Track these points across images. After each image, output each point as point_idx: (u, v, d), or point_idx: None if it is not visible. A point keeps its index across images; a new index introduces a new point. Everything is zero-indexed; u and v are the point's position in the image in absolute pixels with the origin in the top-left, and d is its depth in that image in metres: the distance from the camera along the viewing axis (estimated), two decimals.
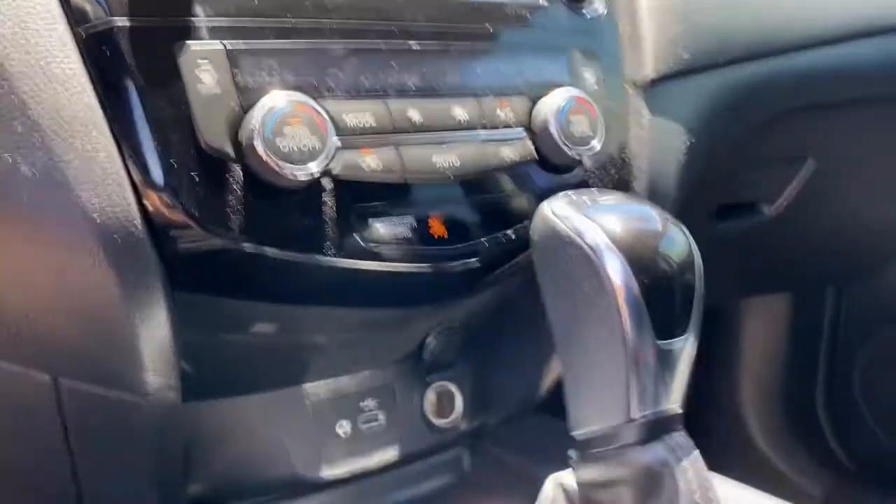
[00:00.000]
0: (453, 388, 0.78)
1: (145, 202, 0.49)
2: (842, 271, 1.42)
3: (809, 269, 1.35)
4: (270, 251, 0.51)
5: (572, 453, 0.46)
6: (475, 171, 0.58)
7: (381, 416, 0.74)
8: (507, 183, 0.61)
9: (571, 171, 0.64)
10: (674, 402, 0.43)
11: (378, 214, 0.55)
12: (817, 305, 1.50)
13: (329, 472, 0.71)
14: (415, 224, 0.56)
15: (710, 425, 1.55)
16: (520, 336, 0.76)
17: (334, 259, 0.53)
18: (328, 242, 0.53)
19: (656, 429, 0.42)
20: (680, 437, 0.42)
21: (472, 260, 0.60)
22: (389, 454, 0.75)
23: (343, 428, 0.72)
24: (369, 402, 0.74)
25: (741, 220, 1.03)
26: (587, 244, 0.42)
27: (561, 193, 0.47)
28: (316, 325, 0.64)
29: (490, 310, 0.75)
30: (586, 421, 0.45)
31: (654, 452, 0.42)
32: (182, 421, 0.64)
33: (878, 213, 1.20)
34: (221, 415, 0.67)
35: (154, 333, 0.50)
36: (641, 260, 0.42)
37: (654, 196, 0.71)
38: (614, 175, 0.67)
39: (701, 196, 0.91)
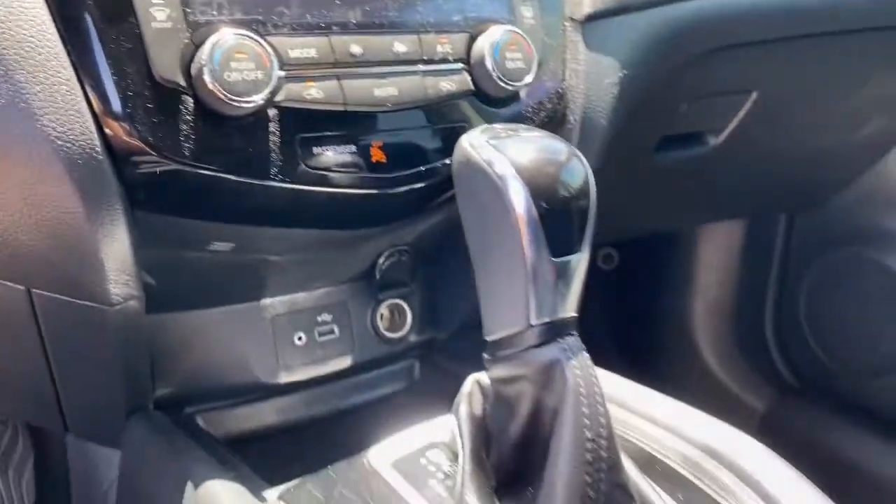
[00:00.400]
0: (404, 304, 0.85)
1: (105, 130, 0.54)
2: (792, 200, 1.49)
3: (760, 197, 1.41)
4: (221, 175, 0.56)
5: (485, 355, 0.53)
6: (414, 102, 0.63)
7: (336, 329, 0.81)
8: (446, 114, 0.66)
9: (508, 105, 0.69)
10: (568, 310, 0.49)
11: (322, 142, 0.60)
12: (769, 232, 1.57)
13: (287, 377, 0.78)
14: (357, 151, 0.61)
15: (662, 343, 1.64)
16: (466, 257, 0.82)
17: (281, 183, 0.58)
18: (275, 168, 0.58)
19: (552, 333, 0.48)
20: (571, 340, 0.49)
21: (413, 186, 0.65)
22: (344, 362, 0.82)
23: (300, 339, 0.79)
24: (325, 317, 0.80)
25: (687, 150, 1.08)
26: (495, 173, 0.48)
27: (483, 126, 0.52)
28: (270, 244, 0.70)
29: (438, 233, 0.81)
30: (495, 327, 0.51)
31: (549, 353, 0.48)
32: (148, 330, 0.71)
33: (822, 144, 1.26)
34: (185, 325, 0.74)
35: (115, 248, 0.56)
36: (542, 187, 0.47)
37: (589, 127, 0.77)
38: (550, 108, 0.72)
39: (644, 128, 0.96)
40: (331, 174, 0.60)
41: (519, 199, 0.47)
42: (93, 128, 0.53)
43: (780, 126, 1.14)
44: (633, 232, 1.43)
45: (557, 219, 0.48)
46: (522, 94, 0.69)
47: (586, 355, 0.49)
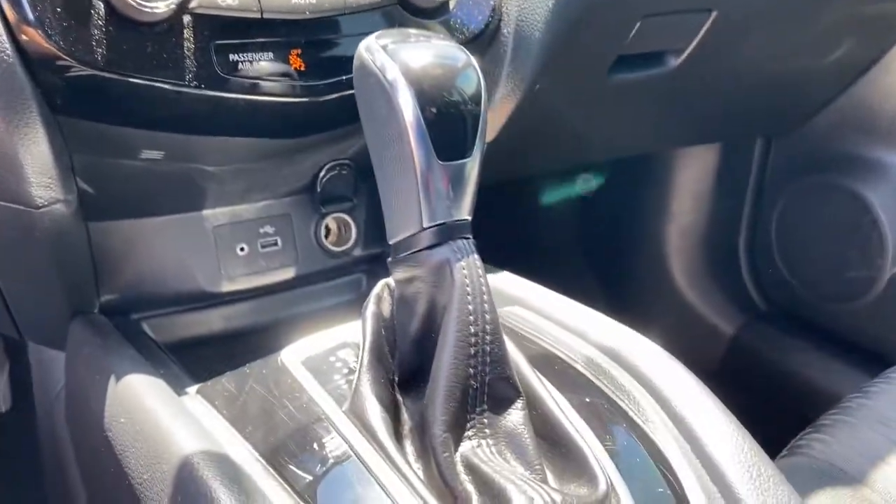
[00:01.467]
0: (348, 218, 0.87)
1: (18, 35, 0.55)
2: (764, 126, 1.48)
3: (731, 123, 1.41)
4: (135, 81, 0.58)
5: (389, 258, 0.55)
6: (333, 10, 0.64)
7: (279, 241, 0.83)
8: (370, 23, 0.67)
9: (435, 16, 0.69)
10: (461, 213, 0.51)
11: (239, 50, 0.61)
12: (744, 158, 1.57)
13: (230, 286, 0.81)
14: (275, 59, 0.62)
15: (635, 267, 1.66)
16: None
17: (196, 90, 0.60)
18: (189, 74, 0.59)
19: (443, 235, 0.50)
20: (462, 242, 0.50)
21: (335, 95, 0.66)
22: (287, 273, 0.84)
23: (242, 249, 0.81)
24: (267, 228, 0.82)
25: (645, 70, 1.07)
26: (386, 78, 0.49)
27: (380, 31, 0.53)
28: (202, 154, 0.72)
29: None
30: (394, 231, 0.53)
31: (440, 253, 0.50)
32: (89, 236, 0.73)
33: (791, 67, 1.24)
34: (128, 233, 0.76)
35: (35, 151, 0.57)
36: (431, 93, 0.48)
37: (524, 41, 0.77)
38: (480, 20, 0.72)
39: (593, 45, 0.96)
40: (249, 81, 0.61)
41: (407, 104, 0.48)
42: (3, 32, 0.54)
43: (744, 47, 1.13)
44: (600, 155, 1.43)
45: (447, 124, 0.49)
46: (452, 4, 0.70)
47: (475, 257, 0.50)
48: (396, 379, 0.55)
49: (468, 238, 0.51)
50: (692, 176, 1.62)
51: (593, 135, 1.20)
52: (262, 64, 0.62)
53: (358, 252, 0.88)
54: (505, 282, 0.74)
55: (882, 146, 1.40)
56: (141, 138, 0.65)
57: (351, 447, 0.49)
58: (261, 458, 0.50)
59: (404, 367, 0.55)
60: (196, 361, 0.74)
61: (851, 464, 0.65)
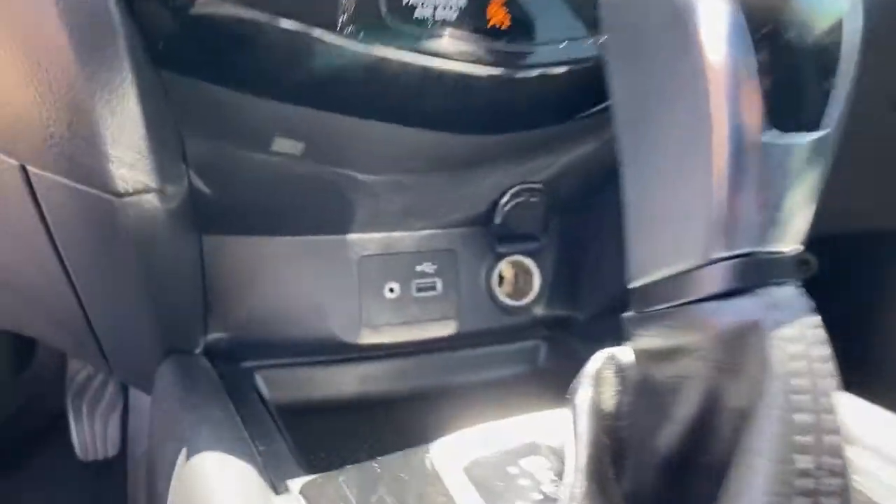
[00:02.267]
0: (531, 263, 0.65)
1: None
2: None
3: None
4: (265, 19, 0.39)
5: (628, 313, 0.32)
6: None
7: (439, 284, 0.62)
8: None
9: None
10: (787, 239, 0.28)
11: None
12: None
13: (371, 337, 0.61)
14: (468, 8, 0.43)
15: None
16: (621, 210, 0.61)
17: (351, 40, 0.41)
18: (345, 14, 0.40)
19: (749, 276, 0.27)
20: (788, 291, 0.27)
21: (550, 71, 0.45)
22: (446, 328, 0.63)
23: (392, 291, 0.61)
24: (426, 267, 0.62)
25: None
26: None
27: None
28: (353, 151, 0.53)
29: (585, 171, 0.61)
30: (649, 264, 0.31)
31: (743, 308, 0.27)
32: (202, 254, 0.56)
33: None
34: (249, 254, 0.58)
35: (119, 114, 0.40)
36: (755, 13, 0.26)
37: None
38: None
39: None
40: (427, 36, 0.42)
41: (712, 31, 0.26)
42: None
43: None
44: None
45: (781, 70, 0.27)
46: None
47: (814, 320, 0.27)
48: None
49: (794, 286, 0.28)
50: None
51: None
52: (447, 12, 0.42)
53: (539, 311, 0.66)
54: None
55: None
56: (272, 117, 0.47)
57: None
58: None
59: (646, 496, 0.31)
60: (314, 434, 0.55)
61: None
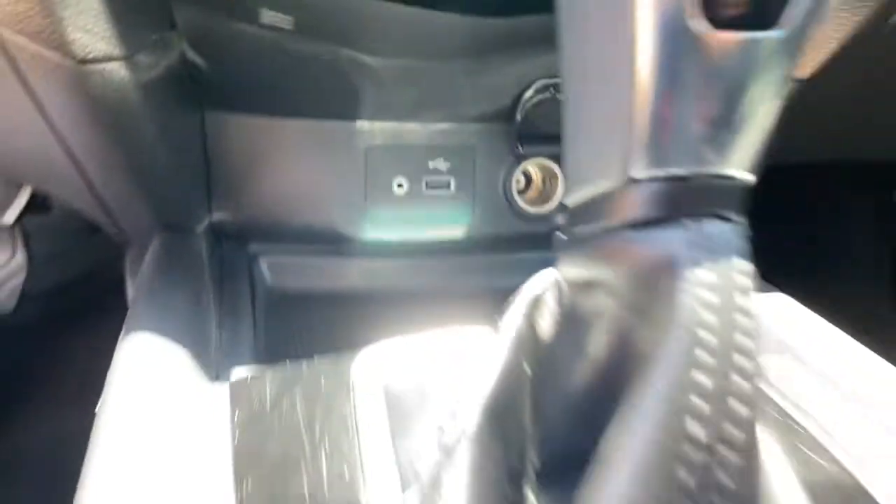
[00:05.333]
0: (555, 167, 0.60)
1: None
2: None
3: None
4: None
5: (558, 232, 0.28)
6: None
7: (453, 183, 0.58)
8: None
9: None
10: (732, 162, 0.22)
11: None
12: None
13: (376, 232, 0.58)
14: None
15: None
16: None
17: None
18: None
19: (675, 202, 0.22)
20: (719, 225, 0.22)
21: None
22: (458, 230, 0.60)
23: (400, 185, 0.58)
24: (440, 163, 0.58)
25: None
26: None
27: None
28: (351, 29, 0.48)
29: None
30: (577, 181, 0.26)
31: (662, 241, 0.22)
32: (198, 127, 0.54)
33: None
34: (253, 135, 0.56)
35: None
36: None
37: None
38: None
39: None
40: None
41: None
42: None
43: None
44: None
45: None
46: None
47: (740, 263, 0.22)
48: (535, 464, 0.28)
49: (732, 221, 0.23)
50: None
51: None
52: None
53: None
54: (774, 311, 0.44)
55: None
56: None
57: None
58: None
59: (551, 444, 0.28)
60: (304, 322, 0.53)
61: None
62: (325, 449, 0.30)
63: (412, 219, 0.59)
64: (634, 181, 0.23)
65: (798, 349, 0.40)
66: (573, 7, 0.24)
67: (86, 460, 0.29)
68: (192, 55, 0.50)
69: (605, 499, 0.23)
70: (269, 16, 0.46)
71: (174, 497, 0.28)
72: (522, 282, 0.65)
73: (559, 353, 0.29)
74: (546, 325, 0.30)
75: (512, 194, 0.60)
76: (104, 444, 0.29)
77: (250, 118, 0.55)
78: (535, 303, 0.31)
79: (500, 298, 0.62)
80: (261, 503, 0.28)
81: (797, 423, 0.34)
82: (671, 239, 0.23)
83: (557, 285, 0.30)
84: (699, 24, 0.21)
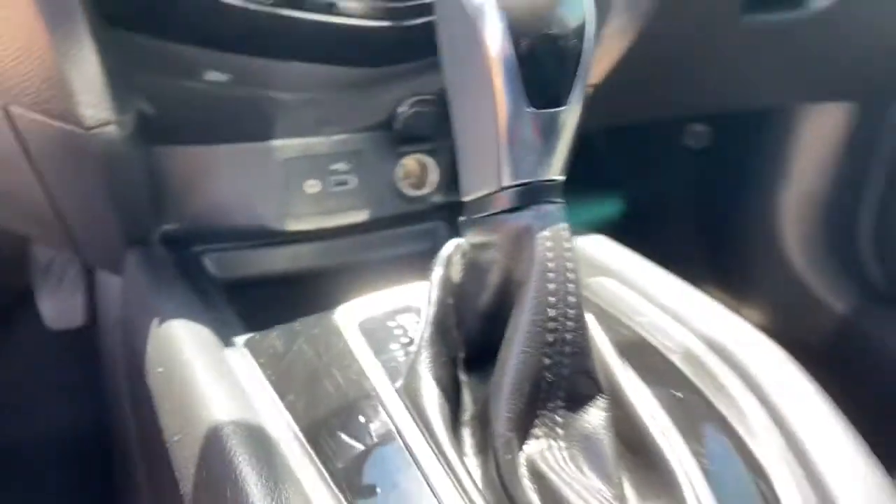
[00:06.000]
0: (428, 160, 0.79)
1: None
2: None
3: (870, 79, 1.24)
4: None
5: (462, 218, 0.47)
6: None
7: (352, 180, 0.76)
8: None
9: None
10: (551, 172, 0.42)
11: None
12: (879, 121, 1.40)
13: (297, 225, 0.75)
14: None
15: (743, 232, 1.53)
16: None
17: (263, 6, 0.52)
18: None
19: (526, 198, 0.42)
20: (548, 207, 0.42)
21: (418, 21, 0.58)
22: (359, 216, 0.77)
23: (312, 186, 0.75)
24: (340, 165, 0.75)
25: (786, 11, 0.94)
26: (471, 2, 0.40)
27: None
28: (272, 79, 0.65)
29: None
30: (470, 186, 0.45)
31: (521, 219, 0.42)
32: (151, 161, 0.69)
33: None
34: (192, 160, 0.70)
35: (83, 69, 0.52)
36: (525, 23, 0.39)
37: None
38: None
39: None
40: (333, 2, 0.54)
41: (495, 35, 0.39)
42: None
43: None
44: (720, 105, 1.29)
45: (543, 63, 0.40)
46: None
47: (563, 226, 0.42)
48: (462, 356, 0.48)
49: (557, 203, 0.43)
50: (817, 137, 1.46)
51: (713, 82, 1.07)
52: None
53: (438, 198, 0.81)
54: (595, 247, 0.65)
55: None
56: (205, 58, 0.59)
57: (400, 434, 0.43)
58: (299, 434, 0.44)
59: (471, 343, 0.48)
60: (254, 303, 0.69)
61: None
62: (334, 369, 0.48)
63: (323, 211, 0.76)
64: (504, 188, 0.42)
65: (613, 271, 0.62)
66: (455, 81, 0.43)
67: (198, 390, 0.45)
68: (144, 105, 0.65)
69: (505, 363, 0.42)
70: (211, 74, 0.62)
71: (249, 407, 0.45)
72: (411, 249, 0.84)
73: (467, 289, 0.48)
74: (456, 272, 0.50)
75: (396, 184, 0.78)
76: (205, 382, 0.46)
77: (191, 148, 0.70)
78: (448, 260, 0.50)
79: (397, 264, 0.80)
80: (302, 406, 0.46)
81: (609, 308, 0.55)
82: (527, 217, 0.42)
83: (460, 248, 0.49)
84: (533, 108, 0.40)
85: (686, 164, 1.59)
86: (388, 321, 0.52)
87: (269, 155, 0.73)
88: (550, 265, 0.41)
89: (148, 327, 0.56)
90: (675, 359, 0.51)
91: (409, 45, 0.61)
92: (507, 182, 0.42)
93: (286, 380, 0.49)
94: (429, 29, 0.59)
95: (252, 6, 0.52)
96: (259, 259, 0.76)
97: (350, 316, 0.52)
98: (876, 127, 1.43)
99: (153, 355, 0.54)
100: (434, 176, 0.80)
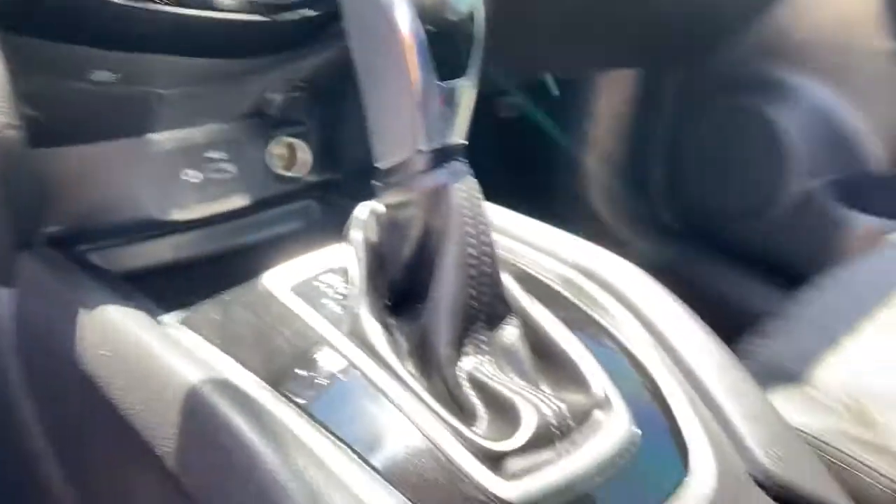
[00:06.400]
0: (300, 143, 0.85)
1: None
2: (681, 50, 1.52)
3: (649, 46, 1.44)
4: None
5: (377, 182, 0.54)
6: None
7: (229, 167, 0.80)
8: None
9: None
10: (456, 136, 0.51)
11: None
12: (662, 82, 1.62)
13: (180, 214, 0.78)
14: None
15: (554, 190, 1.70)
16: None
17: (145, 4, 0.56)
18: None
19: (439, 159, 0.50)
20: (458, 165, 0.51)
21: (303, 13, 0.64)
22: (238, 201, 0.82)
23: (191, 175, 0.78)
24: (217, 154, 0.79)
25: None
26: None
27: None
28: (157, 75, 0.68)
29: (335, 69, 0.80)
30: (385, 154, 0.52)
31: (436, 177, 0.50)
32: (35, 164, 0.69)
33: None
34: (74, 160, 0.72)
35: None
36: (428, 11, 0.47)
37: None
38: None
39: None
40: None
41: (407, 21, 0.47)
42: None
43: None
44: (527, 78, 1.44)
45: (445, 42, 0.48)
46: None
47: (473, 179, 0.51)
48: (388, 303, 0.55)
49: (464, 161, 0.52)
50: (610, 102, 1.66)
51: (519, 58, 1.21)
52: None
53: (311, 178, 0.86)
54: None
55: (792, 69, 1.47)
56: (93, 57, 0.61)
57: (358, 368, 0.50)
58: (264, 383, 0.50)
59: (395, 291, 0.55)
60: (152, 293, 0.72)
61: (793, 365, 0.71)
62: (279, 327, 0.54)
63: (205, 199, 0.80)
64: (420, 152, 0.50)
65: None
66: (367, 63, 0.50)
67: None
68: (28, 109, 0.65)
69: (439, 298, 0.50)
70: (98, 75, 0.64)
71: (213, 368, 0.50)
72: (288, 228, 0.90)
73: (387, 244, 0.56)
74: (373, 232, 0.57)
75: (271, 167, 0.83)
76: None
77: (71, 148, 0.71)
78: (363, 223, 0.57)
79: (281, 242, 0.85)
80: (259, 362, 0.51)
81: (509, 253, 0.65)
82: (442, 175, 0.50)
83: (374, 211, 0.57)
84: (440, 81, 0.48)
85: (498, 135, 1.74)
86: (315, 282, 0.58)
87: (149, 149, 0.75)
88: (467, 212, 0.50)
89: (73, 322, 0.58)
90: (557, 287, 0.62)
91: (282, 38, 0.67)
92: (422, 147, 0.50)
93: (235, 344, 0.54)
94: (299, 22, 0.65)
95: (136, 4, 0.56)
96: (146, 251, 0.78)
97: (279, 281, 0.58)
98: (658, 90, 1.65)
99: (90, 342, 0.56)
100: (305, 156, 0.85)
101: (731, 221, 1.57)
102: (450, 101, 0.50)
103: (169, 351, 0.52)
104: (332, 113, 0.86)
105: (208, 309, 0.58)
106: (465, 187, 0.50)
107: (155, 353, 0.51)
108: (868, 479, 0.54)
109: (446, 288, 0.50)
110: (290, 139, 0.84)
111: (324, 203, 0.90)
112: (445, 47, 0.49)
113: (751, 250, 1.50)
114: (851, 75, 1.37)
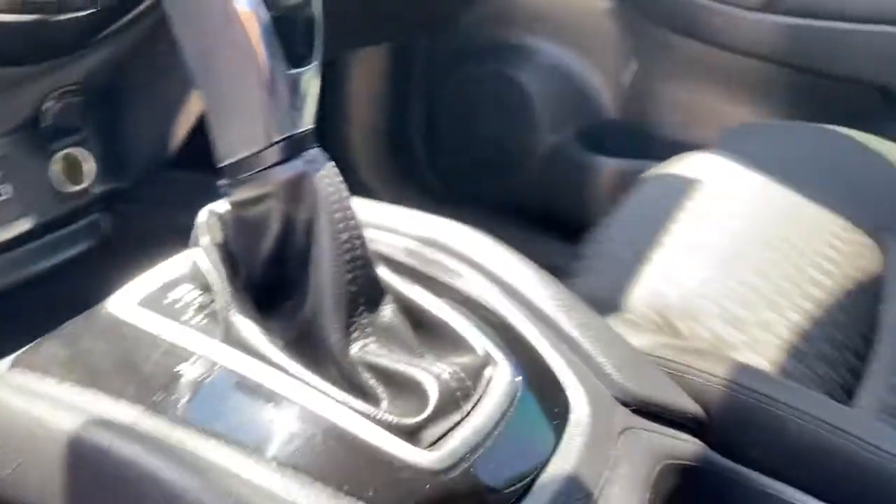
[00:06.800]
0: (81, 152, 0.77)
1: None
2: (424, 21, 1.59)
3: (393, 20, 1.48)
4: None
5: (222, 181, 0.52)
6: None
7: (9, 189, 0.71)
8: None
9: None
10: (307, 123, 0.50)
11: None
12: (411, 54, 1.68)
13: None
14: None
15: None
16: (147, 92, 0.76)
17: None
18: None
19: (294, 148, 0.49)
20: (314, 152, 0.50)
21: (83, 13, 0.58)
22: (22, 225, 0.73)
23: None
24: None
25: None
26: None
27: None
28: None
29: (110, 68, 0.74)
30: (231, 149, 0.50)
31: (294, 167, 0.49)
32: None
33: None
34: None
35: None
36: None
37: None
38: None
39: None
40: None
41: (252, 9, 0.45)
42: None
43: None
44: None
45: (289, 30, 0.47)
46: None
47: (332, 164, 0.50)
48: (252, 297, 0.53)
49: (317, 147, 0.51)
50: (366, 76, 1.69)
51: None
52: None
53: (98, 189, 0.79)
54: None
55: (526, 33, 1.60)
56: None
57: (246, 374, 0.47)
58: (152, 412, 0.46)
59: (258, 287, 0.53)
60: None
61: (606, 296, 0.80)
62: (142, 350, 0.49)
63: None
64: (273, 143, 0.49)
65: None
66: (204, 58, 0.47)
67: None
68: None
69: (322, 286, 0.50)
70: None
71: (82, 410, 0.45)
72: (79, 248, 0.82)
73: (238, 244, 0.53)
74: (217, 233, 0.54)
75: (53, 184, 0.75)
76: None
77: None
78: (208, 227, 0.54)
79: (73, 266, 0.77)
80: (133, 392, 0.47)
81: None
82: (299, 164, 0.49)
83: (214, 213, 0.54)
84: (288, 69, 0.47)
85: None
86: (163, 298, 0.54)
87: None
88: (333, 198, 0.50)
89: None
90: (408, 259, 0.64)
91: (59, 41, 0.61)
92: (275, 137, 0.49)
93: (94, 378, 0.49)
94: (79, 21, 0.60)
95: None
96: None
97: (123, 303, 0.53)
98: (408, 62, 1.71)
99: None
100: (89, 167, 0.78)
101: (491, 178, 1.68)
102: (298, 87, 0.49)
103: (23, 399, 0.46)
104: (111, 116, 0.79)
105: (48, 345, 0.52)
106: (326, 172, 0.50)
107: (10, 406, 0.45)
108: (701, 381, 0.63)
109: (326, 276, 0.49)
110: (71, 149, 0.76)
111: (114, 215, 0.83)
112: (287, 34, 0.48)
113: (517, 205, 1.62)
114: (580, 35, 1.52)
